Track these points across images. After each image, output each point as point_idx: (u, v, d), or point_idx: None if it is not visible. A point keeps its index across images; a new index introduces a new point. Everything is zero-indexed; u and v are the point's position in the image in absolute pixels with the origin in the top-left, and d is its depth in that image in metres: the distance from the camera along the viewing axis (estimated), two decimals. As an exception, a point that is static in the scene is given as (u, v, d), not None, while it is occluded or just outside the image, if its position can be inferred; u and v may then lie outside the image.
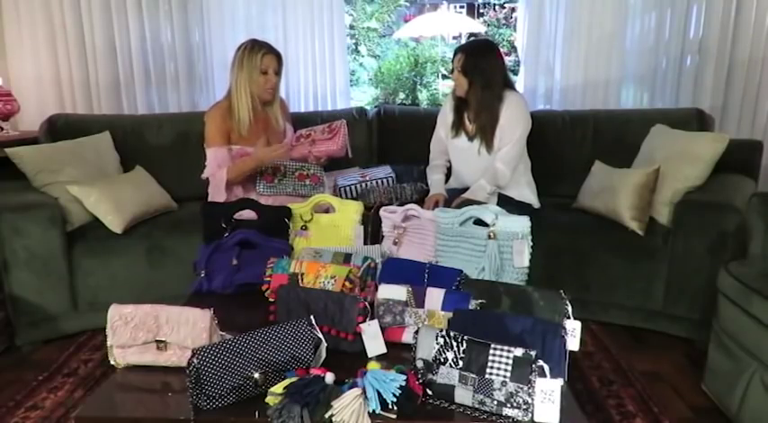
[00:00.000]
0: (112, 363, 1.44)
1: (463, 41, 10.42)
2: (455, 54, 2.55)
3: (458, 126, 2.62)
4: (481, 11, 12.09)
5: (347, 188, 2.75)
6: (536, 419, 1.17)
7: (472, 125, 2.58)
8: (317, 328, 1.37)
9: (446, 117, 2.68)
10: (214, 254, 1.91)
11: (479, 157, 2.54)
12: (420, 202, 2.51)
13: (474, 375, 1.19)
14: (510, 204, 2.40)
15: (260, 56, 2.51)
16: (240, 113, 2.54)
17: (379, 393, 1.16)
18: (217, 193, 2.53)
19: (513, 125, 2.50)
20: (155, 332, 1.40)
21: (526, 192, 2.61)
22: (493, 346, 1.20)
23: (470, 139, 2.58)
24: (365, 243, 2.08)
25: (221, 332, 1.44)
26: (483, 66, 2.48)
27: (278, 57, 2.57)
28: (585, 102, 3.42)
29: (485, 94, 2.49)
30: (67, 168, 2.54)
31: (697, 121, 2.78)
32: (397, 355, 1.42)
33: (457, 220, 1.88)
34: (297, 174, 2.57)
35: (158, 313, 1.40)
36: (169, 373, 1.39)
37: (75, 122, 2.94)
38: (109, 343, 1.43)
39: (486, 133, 2.52)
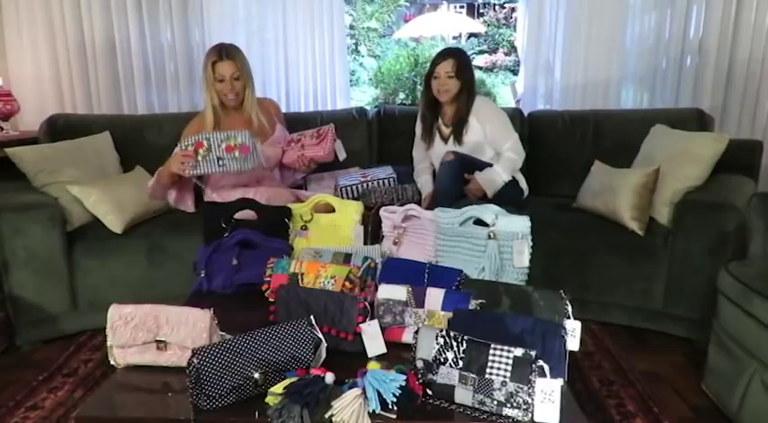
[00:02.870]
0: (112, 363, 1.44)
1: (464, 42, 10.45)
2: (440, 60, 2.59)
3: (429, 135, 2.71)
4: (481, 11, 12.10)
5: (348, 188, 2.75)
6: (536, 419, 1.16)
7: (448, 128, 2.67)
8: (317, 328, 1.37)
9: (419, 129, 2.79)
10: (214, 254, 1.91)
11: (457, 146, 2.63)
12: (421, 202, 2.54)
13: (474, 375, 1.19)
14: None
15: (209, 65, 2.45)
16: (206, 123, 2.51)
17: (379, 393, 1.16)
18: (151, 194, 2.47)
19: (501, 128, 2.63)
20: (155, 332, 1.40)
21: (517, 175, 2.69)
22: (493, 346, 1.20)
23: (446, 140, 2.67)
24: (365, 243, 2.09)
25: (221, 332, 1.44)
26: (470, 69, 2.63)
27: (233, 61, 2.46)
28: (585, 102, 3.42)
29: (470, 96, 2.61)
30: (67, 168, 2.54)
31: (697, 121, 2.79)
32: (397, 355, 1.42)
33: (457, 220, 1.88)
34: (224, 146, 2.24)
35: (158, 313, 1.40)
36: (169, 373, 1.39)
37: (76, 122, 2.95)
38: (109, 343, 1.42)
39: (456, 128, 2.62)
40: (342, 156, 2.68)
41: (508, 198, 2.46)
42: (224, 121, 2.55)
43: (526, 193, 2.72)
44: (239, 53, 2.52)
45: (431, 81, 2.62)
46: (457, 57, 2.59)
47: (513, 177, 2.62)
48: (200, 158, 2.23)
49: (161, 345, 1.40)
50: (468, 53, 2.86)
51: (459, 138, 2.62)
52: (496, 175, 2.54)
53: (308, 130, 2.71)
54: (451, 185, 2.47)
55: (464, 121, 2.61)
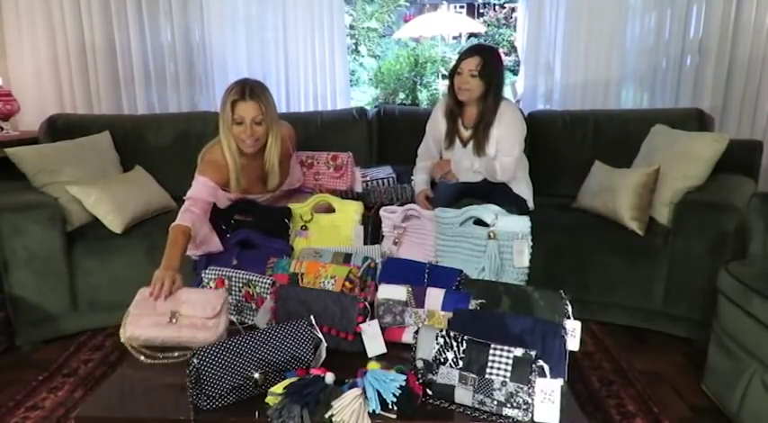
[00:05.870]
0: (122, 339, 1.49)
1: (464, 42, 10.45)
2: (466, 56, 2.45)
3: (452, 135, 2.59)
4: (481, 11, 12.10)
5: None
6: (536, 419, 1.17)
7: (468, 130, 2.56)
8: (317, 328, 1.38)
9: (437, 125, 2.64)
10: (214, 254, 1.91)
11: (476, 157, 2.53)
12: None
13: (474, 375, 1.19)
14: (507, 195, 2.45)
15: (228, 104, 2.02)
16: (228, 163, 2.10)
17: (379, 393, 1.16)
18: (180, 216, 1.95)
19: (511, 141, 2.47)
20: (174, 305, 1.52)
21: (524, 191, 2.61)
22: (493, 346, 1.20)
23: (465, 144, 2.57)
24: (365, 243, 2.09)
25: (231, 318, 1.54)
26: (498, 71, 2.47)
27: (257, 103, 2.02)
28: (585, 102, 3.42)
29: (495, 100, 2.47)
30: (67, 168, 2.54)
31: (697, 121, 2.79)
32: (397, 355, 1.42)
33: (457, 220, 1.88)
34: (243, 291, 1.72)
35: (179, 293, 1.57)
36: (169, 373, 1.40)
37: (75, 122, 2.95)
38: (126, 314, 1.53)
39: (478, 137, 2.50)
40: (358, 188, 2.59)
41: (509, 199, 2.43)
42: (240, 171, 2.15)
43: (531, 206, 2.57)
44: (265, 93, 2.08)
45: (454, 76, 2.46)
46: (484, 55, 2.41)
47: (519, 195, 2.53)
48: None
49: (175, 316, 1.49)
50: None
51: (480, 149, 2.48)
52: (498, 170, 2.45)
53: (320, 153, 2.60)
54: (448, 205, 2.25)
55: (488, 128, 2.47)
